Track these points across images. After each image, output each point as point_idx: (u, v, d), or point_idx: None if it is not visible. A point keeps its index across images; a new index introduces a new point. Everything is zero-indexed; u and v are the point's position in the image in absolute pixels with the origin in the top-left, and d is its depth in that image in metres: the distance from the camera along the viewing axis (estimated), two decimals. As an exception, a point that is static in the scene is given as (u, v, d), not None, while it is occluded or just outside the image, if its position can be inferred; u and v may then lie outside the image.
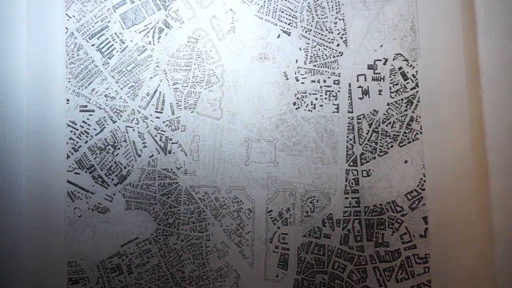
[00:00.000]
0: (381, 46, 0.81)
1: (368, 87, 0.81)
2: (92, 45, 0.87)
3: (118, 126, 0.86)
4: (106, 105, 0.86)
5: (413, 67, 0.80)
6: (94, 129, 0.86)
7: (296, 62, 0.83)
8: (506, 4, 0.78)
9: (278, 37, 0.83)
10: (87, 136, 0.86)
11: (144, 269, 0.84)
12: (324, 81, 0.82)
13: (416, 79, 0.80)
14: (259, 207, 0.82)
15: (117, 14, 0.87)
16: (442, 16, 0.79)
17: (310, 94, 0.82)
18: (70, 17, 0.88)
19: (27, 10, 0.88)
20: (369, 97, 0.81)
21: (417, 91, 0.80)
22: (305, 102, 0.82)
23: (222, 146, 0.84)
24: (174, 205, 0.84)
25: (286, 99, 0.83)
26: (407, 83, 0.80)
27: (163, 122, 0.85)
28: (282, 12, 0.84)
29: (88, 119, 0.86)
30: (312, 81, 0.82)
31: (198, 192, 0.84)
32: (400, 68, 0.80)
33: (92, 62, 0.87)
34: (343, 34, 0.82)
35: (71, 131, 0.86)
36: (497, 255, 0.76)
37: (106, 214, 0.85)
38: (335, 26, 0.82)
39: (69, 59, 0.87)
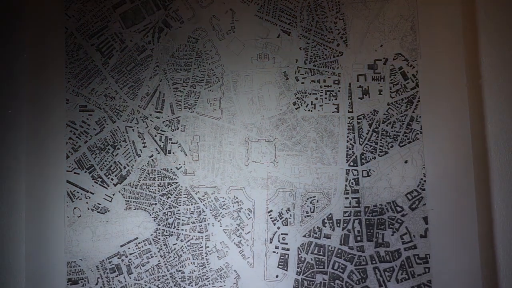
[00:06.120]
0: (381, 46, 0.81)
1: (368, 87, 0.81)
2: (92, 45, 0.87)
3: (117, 126, 0.86)
4: (106, 105, 0.86)
5: (413, 67, 0.80)
6: (94, 129, 0.86)
7: (296, 62, 0.83)
8: (507, 4, 0.78)
9: (278, 36, 0.83)
10: (86, 136, 0.86)
11: (144, 270, 0.84)
12: (324, 81, 0.82)
13: (416, 79, 0.80)
14: (259, 207, 0.82)
15: (116, 13, 0.87)
16: (442, 16, 0.80)
17: (310, 94, 0.82)
18: (70, 17, 0.88)
19: (27, 10, 0.88)
20: (369, 97, 0.81)
21: (417, 91, 0.80)
22: (305, 102, 0.82)
23: (222, 146, 0.83)
24: (174, 205, 0.84)
25: (286, 99, 0.83)
26: (407, 83, 0.80)
27: (163, 122, 0.85)
28: (282, 11, 0.84)
29: (87, 119, 0.86)
30: (312, 81, 0.82)
31: (198, 192, 0.83)
32: (400, 68, 0.80)
33: (92, 62, 0.87)
34: (343, 34, 0.82)
35: (71, 131, 0.86)
36: (497, 255, 0.76)
37: (105, 214, 0.85)
38: (335, 26, 0.82)
39: (68, 58, 0.87)
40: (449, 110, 0.78)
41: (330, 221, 0.80)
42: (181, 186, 0.84)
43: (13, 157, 0.87)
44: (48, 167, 0.86)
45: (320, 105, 0.82)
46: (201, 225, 0.83)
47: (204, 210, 0.83)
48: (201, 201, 0.83)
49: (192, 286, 0.82)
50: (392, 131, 0.80)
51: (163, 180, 0.84)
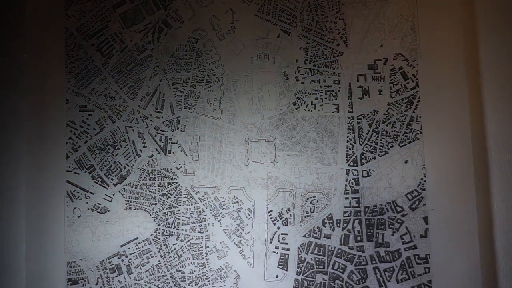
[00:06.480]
0: (381, 45, 0.81)
1: (368, 87, 0.81)
2: (92, 45, 0.87)
3: (117, 126, 0.86)
4: (106, 105, 0.86)
5: (413, 67, 0.80)
6: (94, 129, 0.86)
7: (296, 61, 0.83)
8: (506, 4, 0.78)
9: (278, 36, 0.83)
10: (86, 136, 0.86)
11: (144, 270, 0.84)
12: (324, 81, 0.82)
13: (416, 79, 0.80)
14: (259, 207, 0.82)
15: (116, 13, 0.87)
16: (442, 16, 0.80)
17: (310, 94, 0.82)
18: (70, 17, 0.88)
19: (27, 10, 0.88)
20: (369, 97, 0.81)
21: (417, 91, 0.80)
22: (305, 102, 0.82)
23: (222, 146, 0.83)
24: (174, 205, 0.84)
25: (286, 99, 0.83)
26: (407, 83, 0.80)
27: (163, 122, 0.85)
28: (282, 11, 0.84)
29: (87, 119, 0.86)
30: (312, 81, 0.82)
31: (198, 192, 0.83)
32: (400, 68, 0.80)
33: (92, 62, 0.87)
34: (343, 34, 0.82)
35: (71, 131, 0.86)
36: (497, 255, 0.76)
37: (105, 214, 0.85)
38: (335, 26, 0.82)
39: (68, 58, 0.87)
40: (449, 110, 0.78)
41: (330, 221, 0.80)
42: (181, 186, 0.84)
43: (13, 157, 0.87)
44: (48, 167, 0.86)
45: (320, 105, 0.82)
46: (201, 225, 0.83)
47: (204, 210, 0.83)
48: (201, 201, 0.83)
49: (192, 286, 0.82)
50: (392, 131, 0.80)
51: (163, 180, 0.84)
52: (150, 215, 0.84)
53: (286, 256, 0.81)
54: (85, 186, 0.86)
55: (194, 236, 0.83)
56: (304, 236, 0.81)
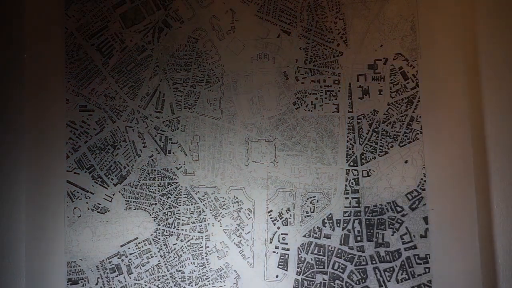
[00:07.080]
0: (381, 46, 0.81)
1: (368, 87, 0.81)
2: (92, 45, 0.87)
3: (117, 126, 0.86)
4: (106, 105, 0.86)
5: (413, 67, 0.80)
6: (94, 129, 0.86)
7: (296, 61, 0.83)
8: (507, 4, 0.78)
9: (278, 36, 0.83)
10: (86, 136, 0.86)
11: (144, 270, 0.84)
12: (324, 80, 0.82)
13: (416, 79, 0.80)
14: (259, 207, 0.82)
15: (116, 13, 0.87)
16: (442, 16, 0.79)
17: (310, 94, 0.82)
18: (70, 17, 0.88)
19: (27, 10, 0.88)
20: (369, 97, 0.81)
21: (417, 91, 0.80)
22: (305, 102, 0.82)
23: (222, 146, 0.83)
24: (173, 205, 0.84)
25: (286, 99, 0.83)
26: (408, 83, 0.80)
27: (163, 122, 0.85)
28: (282, 11, 0.84)
29: (87, 119, 0.86)
30: (312, 81, 0.82)
31: (198, 192, 0.83)
32: (401, 68, 0.80)
33: (92, 62, 0.87)
34: (343, 34, 0.82)
35: (71, 131, 0.86)
36: (497, 255, 0.76)
37: (105, 214, 0.85)
38: (335, 26, 0.82)
39: (68, 58, 0.87)
40: (449, 110, 0.78)
41: (330, 221, 0.80)
42: (181, 186, 0.84)
43: (13, 157, 0.87)
44: (48, 167, 0.86)
45: (320, 105, 0.82)
46: (201, 225, 0.83)
47: (204, 210, 0.83)
48: (201, 201, 0.83)
49: (192, 286, 0.82)
50: (392, 131, 0.80)
51: (163, 180, 0.84)
52: (150, 215, 0.84)
53: (286, 256, 0.81)
54: (85, 186, 0.86)
55: (194, 236, 0.83)
56: (304, 236, 0.81)
